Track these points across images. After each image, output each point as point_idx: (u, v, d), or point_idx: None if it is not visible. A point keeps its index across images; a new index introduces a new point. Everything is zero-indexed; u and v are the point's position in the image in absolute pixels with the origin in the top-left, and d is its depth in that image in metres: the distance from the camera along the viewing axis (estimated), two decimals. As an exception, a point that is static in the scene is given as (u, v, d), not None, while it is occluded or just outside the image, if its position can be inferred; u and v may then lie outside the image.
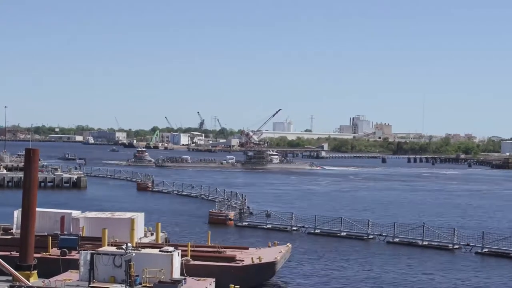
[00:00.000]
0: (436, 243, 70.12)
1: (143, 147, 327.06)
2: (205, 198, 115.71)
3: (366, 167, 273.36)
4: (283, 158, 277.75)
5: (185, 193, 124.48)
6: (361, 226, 75.78)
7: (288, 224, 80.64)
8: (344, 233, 75.60)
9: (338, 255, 64.06)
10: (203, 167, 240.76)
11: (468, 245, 68.28)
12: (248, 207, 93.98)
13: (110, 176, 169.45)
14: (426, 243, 70.27)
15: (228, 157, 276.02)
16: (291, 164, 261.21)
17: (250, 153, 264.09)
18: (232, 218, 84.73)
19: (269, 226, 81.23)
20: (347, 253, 65.65)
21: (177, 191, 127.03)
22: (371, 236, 74.06)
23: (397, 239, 72.11)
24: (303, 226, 79.37)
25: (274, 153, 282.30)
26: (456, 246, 68.69)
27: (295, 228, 79.48)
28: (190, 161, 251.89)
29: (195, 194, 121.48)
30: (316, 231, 77.46)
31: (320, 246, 69.36)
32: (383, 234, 73.75)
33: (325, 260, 61.72)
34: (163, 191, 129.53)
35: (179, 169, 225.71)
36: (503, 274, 57.83)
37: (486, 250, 66.67)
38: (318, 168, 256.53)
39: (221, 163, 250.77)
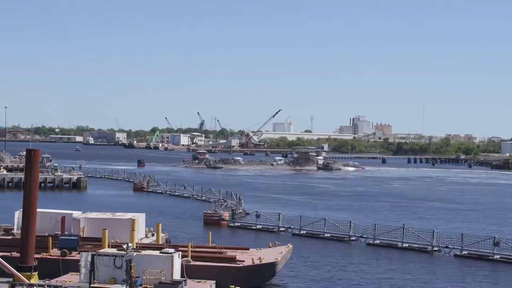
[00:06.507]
0: (415, 245, 70.71)
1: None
2: (198, 198, 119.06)
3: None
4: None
5: (178, 193, 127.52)
6: (344, 228, 77.28)
7: (275, 225, 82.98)
8: (328, 234, 77.20)
9: (328, 257, 65.38)
10: (255, 169, 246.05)
11: (447, 247, 68.70)
12: (243, 208, 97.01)
13: (108, 176, 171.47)
14: (406, 245, 70.99)
15: (277, 158, 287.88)
16: (334, 165, 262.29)
17: (295, 155, 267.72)
18: (226, 218, 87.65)
19: (259, 226, 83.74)
20: (332, 254, 67.45)
21: (170, 191, 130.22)
22: (353, 238, 75.26)
23: (377, 241, 73.26)
24: (289, 227, 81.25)
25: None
26: (436, 249, 69.14)
27: (282, 229, 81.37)
28: (243, 163, 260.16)
29: (187, 194, 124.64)
30: (301, 232, 79.36)
31: (306, 247, 70.68)
32: (364, 236, 74.91)
33: (320, 260, 63.34)
34: (157, 191, 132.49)
35: (233, 170, 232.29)
36: (481, 276, 58.71)
37: (465, 252, 67.10)
38: (359, 168, 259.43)
39: (271, 164, 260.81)
